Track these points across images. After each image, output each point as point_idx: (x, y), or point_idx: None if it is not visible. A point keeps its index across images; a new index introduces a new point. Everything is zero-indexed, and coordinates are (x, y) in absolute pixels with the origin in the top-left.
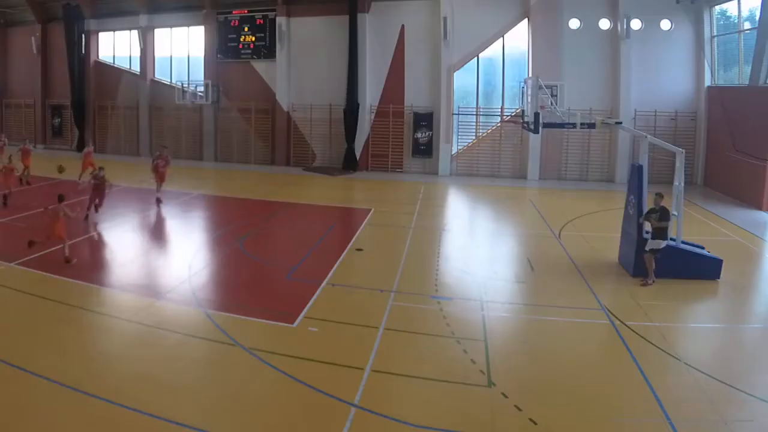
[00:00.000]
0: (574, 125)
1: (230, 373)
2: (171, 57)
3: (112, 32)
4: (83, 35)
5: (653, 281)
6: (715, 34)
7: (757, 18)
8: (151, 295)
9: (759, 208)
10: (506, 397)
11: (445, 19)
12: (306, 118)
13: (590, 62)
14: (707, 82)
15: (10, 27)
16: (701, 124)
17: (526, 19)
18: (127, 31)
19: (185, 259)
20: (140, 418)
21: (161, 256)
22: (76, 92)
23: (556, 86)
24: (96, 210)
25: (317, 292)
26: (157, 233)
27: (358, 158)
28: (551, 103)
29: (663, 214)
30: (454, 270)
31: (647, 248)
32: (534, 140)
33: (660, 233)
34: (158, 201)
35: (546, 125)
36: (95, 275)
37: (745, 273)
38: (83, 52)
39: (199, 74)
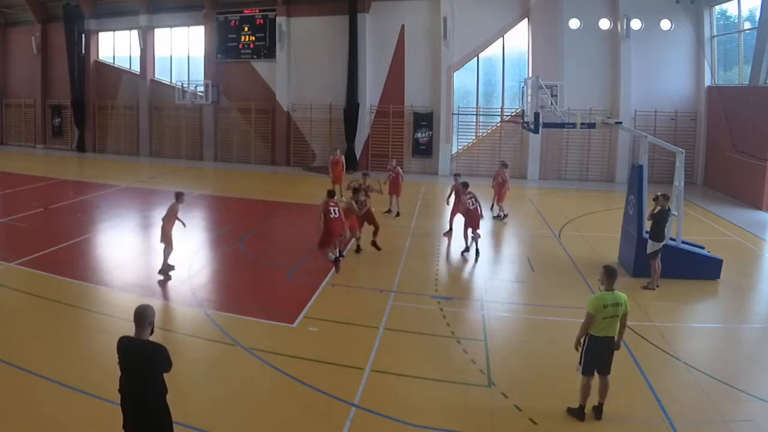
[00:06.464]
0: (574, 125)
1: (230, 373)
2: (171, 57)
3: (112, 32)
4: (83, 35)
5: (657, 286)
6: (715, 34)
7: (757, 18)
8: (151, 295)
9: (759, 208)
10: (506, 397)
11: (445, 18)
12: (306, 118)
13: (590, 62)
14: (707, 82)
15: (10, 27)
16: (701, 124)
17: (526, 19)
18: (127, 31)
19: (185, 259)
20: None
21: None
22: (76, 92)
23: (556, 86)
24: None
25: (317, 292)
26: (156, 233)
27: (358, 158)
28: (551, 103)
29: (655, 216)
30: (454, 270)
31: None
32: (534, 140)
33: (651, 234)
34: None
35: (546, 125)
36: (95, 275)
37: (745, 273)
38: (83, 52)
39: (199, 74)
